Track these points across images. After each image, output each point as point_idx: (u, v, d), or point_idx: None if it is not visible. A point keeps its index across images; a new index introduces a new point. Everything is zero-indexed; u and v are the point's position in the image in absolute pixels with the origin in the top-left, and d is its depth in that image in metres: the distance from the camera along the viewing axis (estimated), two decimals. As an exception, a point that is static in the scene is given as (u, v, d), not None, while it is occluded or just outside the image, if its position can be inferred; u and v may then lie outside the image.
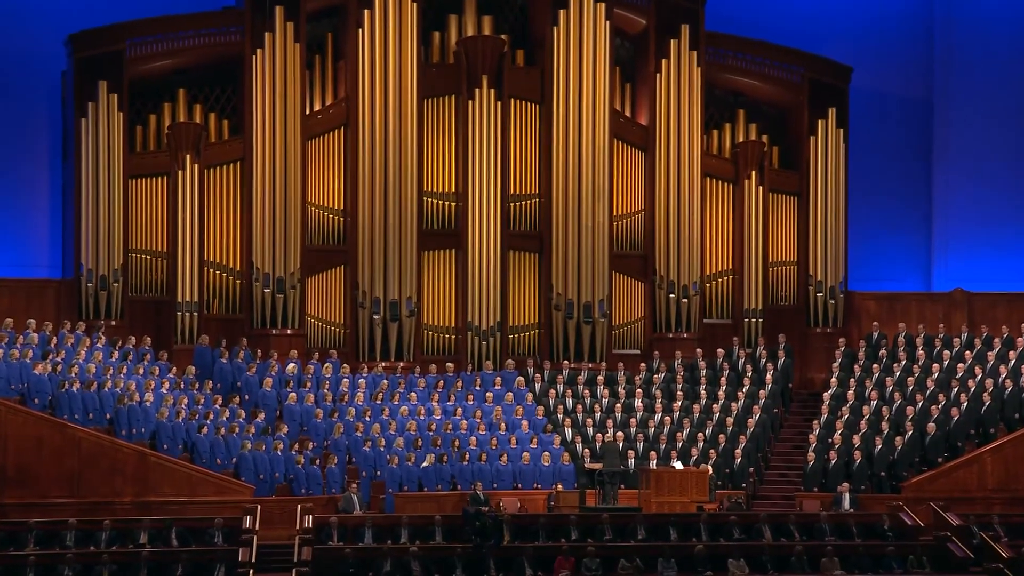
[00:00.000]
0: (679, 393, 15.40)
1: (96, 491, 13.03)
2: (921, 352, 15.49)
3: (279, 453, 13.78)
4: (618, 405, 15.22)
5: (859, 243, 17.20)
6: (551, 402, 15.28)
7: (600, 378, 15.66)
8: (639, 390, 15.44)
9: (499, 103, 16.23)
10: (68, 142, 15.88)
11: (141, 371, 14.38)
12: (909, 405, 14.65)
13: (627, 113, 16.92)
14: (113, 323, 15.31)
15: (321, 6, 16.37)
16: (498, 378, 15.44)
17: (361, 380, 15.04)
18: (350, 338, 15.98)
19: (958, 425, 14.40)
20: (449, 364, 15.64)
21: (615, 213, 16.60)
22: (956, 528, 13.05)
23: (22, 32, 16.11)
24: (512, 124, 16.36)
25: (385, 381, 15.08)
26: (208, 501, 13.09)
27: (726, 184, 16.99)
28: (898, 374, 15.28)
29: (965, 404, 14.47)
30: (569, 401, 15.32)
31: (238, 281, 15.96)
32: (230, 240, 15.95)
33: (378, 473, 13.98)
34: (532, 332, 16.43)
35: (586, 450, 14.53)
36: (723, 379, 15.59)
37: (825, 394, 15.47)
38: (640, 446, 14.67)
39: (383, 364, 15.61)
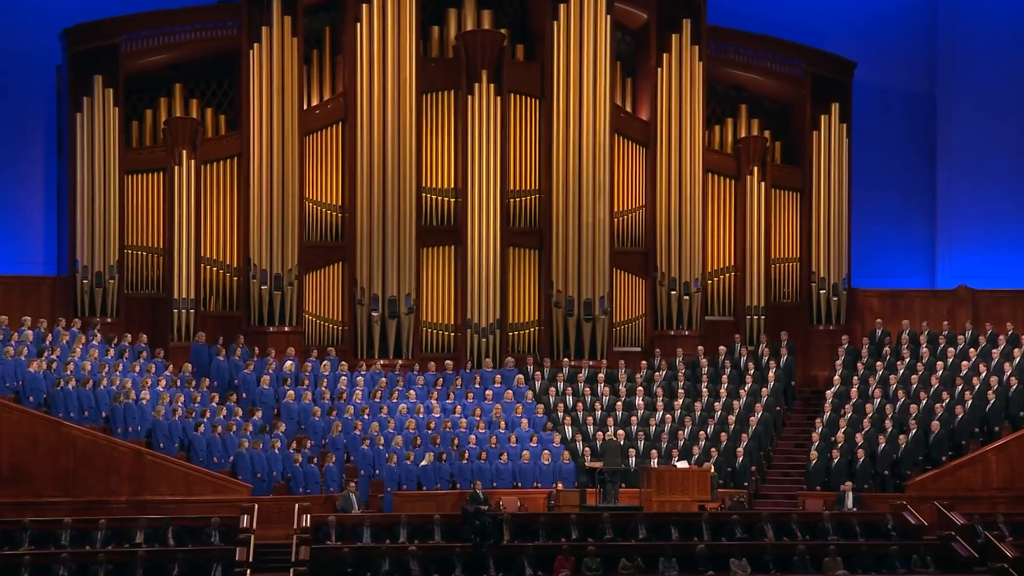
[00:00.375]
0: (680, 391, 15.30)
1: (92, 490, 12.95)
2: (925, 350, 15.39)
3: (276, 452, 13.69)
4: (619, 403, 15.13)
5: (862, 239, 17.10)
6: (551, 400, 15.19)
7: (601, 376, 15.57)
8: (640, 388, 15.35)
9: (499, 98, 16.11)
10: (63, 137, 15.76)
11: (137, 369, 14.28)
12: (913, 403, 14.55)
13: (628, 108, 16.80)
14: (109, 320, 15.20)
15: (319, 0, 16.22)
16: (498, 376, 15.35)
17: (359, 378, 14.94)
18: (348, 335, 15.88)
19: (962, 423, 14.30)
20: (448, 362, 15.55)
21: (616, 209, 16.49)
22: (960, 527, 12.97)
23: (17, 26, 15.99)
24: (512, 119, 16.25)
25: (384, 379, 14.98)
26: (205, 500, 13.00)
27: (728, 180, 16.87)
28: (902, 372, 15.18)
29: (969, 402, 14.37)
30: (569, 399, 15.23)
31: (235, 278, 15.85)
32: (227, 236, 15.84)
33: (376, 472, 13.89)
34: (532, 329, 16.33)
35: (587, 448, 14.45)
36: (725, 377, 15.49)
37: (828, 392, 15.37)
38: (641, 444, 14.59)
39: (382, 362, 15.51)
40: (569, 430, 14.77)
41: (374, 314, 15.78)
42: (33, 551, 12.07)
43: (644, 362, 15.86)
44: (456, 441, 14.20)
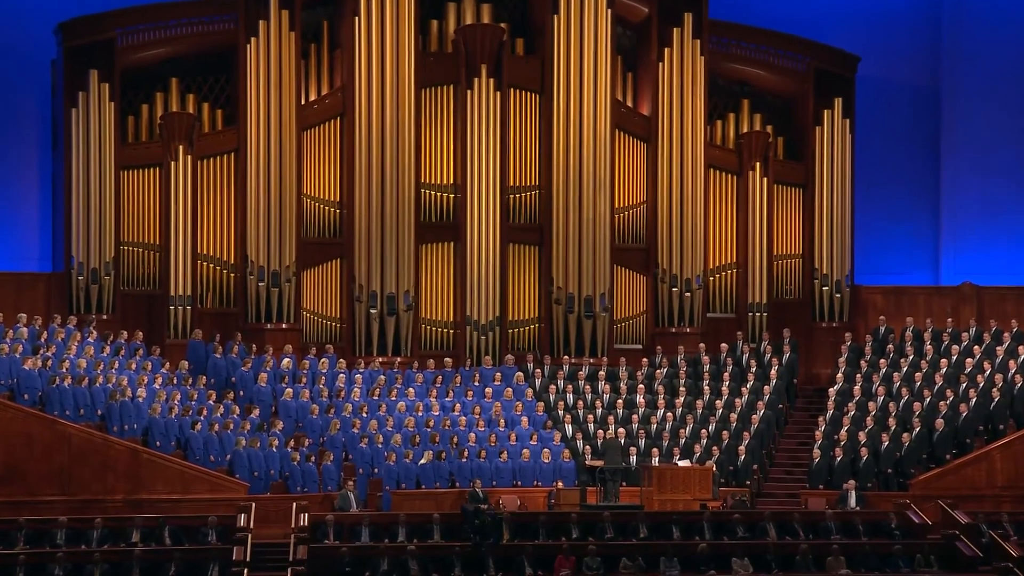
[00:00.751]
0: (682, 389, 15.21)
1: (87, 488, 12.85)
2: (929, 347, 15.29)
3: (274, 450, 13.59)
4: (620, 401, 15.04)
5: (865, 235, 16.98)
6: (551, 398, 15.10)
7: (601, 373, 15.46)
8: (641, 386, 15.25)
9: (498, 93, 15.99)
10: (58, 132, 15.64)
11: (133, 366, 14.19)
12: (916, 401, 14.47)
13: (629, 103, 16.68)
14: (104, 317, 15.08)
15: (317, -6, 16.17)
16: (497, 373, 15.25)
17: (358, 375, 14.85)
18: (346, 333, 15.77)
19: (967, 421, 14.21)
20: (447, 359, 15.44)
21: (616, 205, 16.37)
22: (964, 526, 12.91)
23: (11, 20, 15.86)
24: (512, 114, 16.12)
25: (382, 376, 14.89)
26: (202, 499, 12.92)
27: (730, 175, 16.74)
28: (905, 369, 15.09)
29: (974, 400, 14.29)
30: (570, 397, 15.12)
31: (232, 274, 15.73)
32: (224, 233, 15.72)
33: (375, 470, 13.81)
34: (532, 326, 16.22)
35: (587, 447, 14.37)
36: (726, 374, 15.39)
37: (831, 390, 15.28)
38: (642, 443, 14.50)
39: (380, 359, 15.39)
40: (569, 428, 14.69)
41: (372, 311, 15.68)
42: (28, 550, 12.00)
43: (645, 359, 15.76)
44: (455, 439, 14.11)
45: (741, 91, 17.06)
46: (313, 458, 13.71)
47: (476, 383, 15.05)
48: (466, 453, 13.96)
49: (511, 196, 16.20)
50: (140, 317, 15.25)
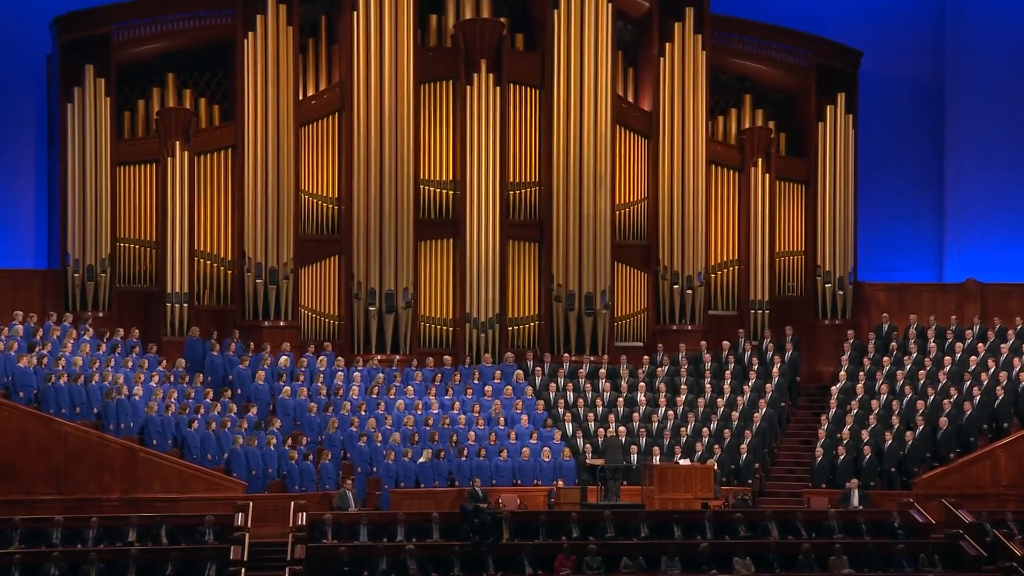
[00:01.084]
0: (683, 387, 15.11)
1: (83, 487, 12.78)
2: (932, 344, 15.19)
3: (272, 448, 13.51)
4: (620, 399, 14.94)
5: (868, 232, 16.87)
6: (551, 396, 15.00)
7: (602, 371, 15.37)
8: (642, 384, 15.17)
9: (498, 88, 15.88)
10: (53, 128, 15.52)
11: (129, 364, 14.10)
12: (920, 399, 14.37)
13: (630, 98, 16.56)
14: (100, 315, 14.98)
15: (314, -12, 16.04)
16: (497, 371, 15.16)
17: (356, 373, 14.77)
18: (345, 330, 15.67)
19: (970, 420, 14.11)
20: (447, 357, 15.34)
21: (617, 201, 16.26)
22: (968, 525, 12.81)
23: (6, 14, 15.75)
24: (511, 110, 16.02)
25: (381, 374, 14.81)
26: (199, 498, 12.83)
27: (731, 172, 16.64)
28: (909, 367, 15.00)
29: (978, 398, 14.19)
30: (570, 395, 15.03)
31: (229, 271, 15.63)
32: (221, 229, 15.61)
33: (374, 469, 13.72)
34: (532, 324, 16.12)
35: (587, 445, 14.29)
36: (728, 372, 15.30)
37: (833, 388, 15.18)
38: (643, 441, 14.41)
39: (379, 357, 15.29)
40: (570, 427, 14.60)
41: (371, 308, 15.58)
42: (23, 550, 11.90)
43: (646, 357, 15.66)
44: (455, 438, 14.03)
45: (743, 86, 16.94)
46: (311, 457, 13.63)
47: (475, 381, 14.96)
48: (465, 452, 13.88)
49: (511, 192, 16.10)
50: (136, 314, 15.16)
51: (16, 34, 15.70)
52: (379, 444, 13.80)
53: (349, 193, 15.73)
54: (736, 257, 16.58)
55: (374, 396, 14.47)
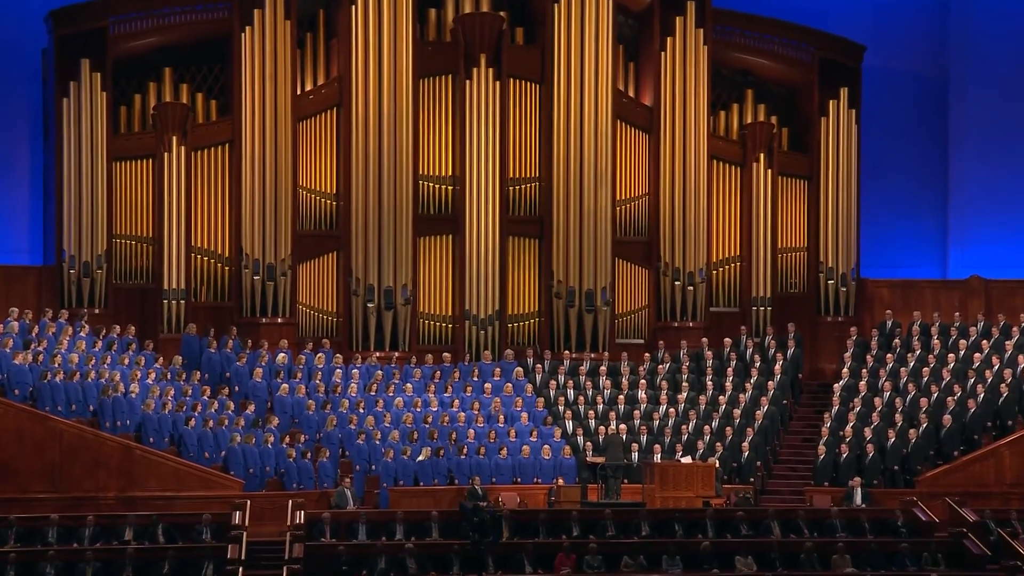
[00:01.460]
0: (684, 384, 15.03)
1: (79, 486, 12.71)
2: (936, 341, 15.10)
3: (269, 446, 13.44)
4: (621, 397, 14.86)
5: (872, 228, 16.79)
6: (552, 393, 14.92)
7: (602, 369, 15.29)
8: (643, 381, 15.09)
9: (498, 82, 15.77)
10: (49, 123, 15.43)
11: (126, 361, 14.02)
12: (923, 396, 14.27)
13: (631, 93, 16.46)
14: (97, 311, 14.90)
15: (313, -18, 15.92)
16: (497, 368, 15.07)
17: (355, 371, 14.70)
18: (343, 327, 15.57)
19: (974, 417, 14.02)
20: (446, 354, 15.26)
21: (618, 197, 16.18)
22: (972, 524, 12.71)
23: (1, 8, 15.67)
24: (511, 104, 15.92)
25: (380, 372, 14.74)
26: (196, 496, 12.77)
27: (733, 167, 16.54)
28: (912, 364, 14.91)
29: (982, 395, 14.10)
30: (570, 392, 14.94)
31: (227, 268, 15.54)
32: (218, 225, 15.52)
33: (372, 467, 13.66)
34: (532, 321, 16.03)
35: (588, 443, 14.22)
36: (730, 370, 15.21)
37: (836, 385, 15.09)
38: (644, 439, 14.34)
39: (377, 354, 15.21)
40: (570, 424, 14.52)
41: (370, 305, 15.48)
42: (19, 548, 11.81)
43: (647, 354, 15.59)
44: (454, 435, 13.95)
45: (745, 81, 16.85)
46: (309, 455, 13.56)
47: (475, 378, 14.88)
48: (465, 449, 13.81)
49: (511, 188, 16.01)
50: (133, 311, 15.07)
51: (11, 28, 15.61)
52: (378, 442, 13.72)
53: (347, 189, 15.63)
54: (738, 253, 16.50)
55: (373, 393, 14.39)
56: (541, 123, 16.01)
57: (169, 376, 14.06)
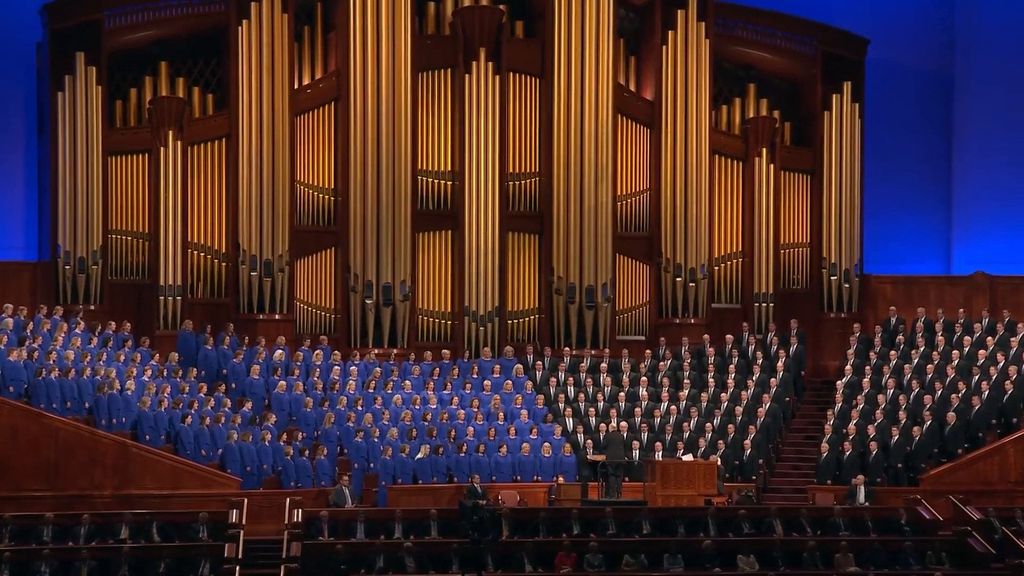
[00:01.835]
0: (686, 381, 14.94)
1: (74, 484, 12.64)
2: (940, 338, 15.02)
3: (267, 444, 13.35)
4: (622, 394, 14.77)
5: (875, 224, 16.69)
6: (552, 390, 14.83)
7: (603, 365, 15.20)
8: (644, 378, 15.00)
9: (497, 77, 15.65)
10: (44, 117, 15.32)
11: (122, 358, 13.92)
12: (927, 394, 14.19)
13: (632, 87, 16.34)
14: (92, 308, 14.78)
15: (310, -25, 15.78)
16: (496, 365, 14.98)
17: (353, 367, 14.59)
18: (341, 323, 15.47)
19: (979, 414, 13.93)
20: (445, 351, 15.19)
21: (619, 192, 16.07)
22: (976, 522, 12.66)
23: (-5, 2, 15.49)
24: (511, 99, 15.80)
25: (378, 368, 14.63)
26: (192, 494, 12.71)
27: (735, 162, 16.42)
28: (916, 361, 14.82)
29: (986, 392, 14.03)
30: (571, 389, 14.86)
31: (223, 264, 15.42)
32: (215, 221, 15.40)
33: (371, 465, 13.57)
34: (532, 317, 15.93)
35: (588, 441, 14.14)
36: (732, 366, 15.12)
37: (839, 382, 15.02)
38: (645, 437, 14.24)
39: (376, 351, 15.11)
40: (570, 422, 14.44)
41: (368, 301, 15.38)
42: (14, 547, 11.76)
43: (648, 351, 15.50)
44: (453, 433, 13.87)
45: (747, 75, 16.73)
46: (307, 452, 13.48)
47: (474, 375, 14.80)
48: (464, 447, 13.72)
49: (510, 183, 15.90)
50: (129, 307, 14.96)
51: (6, 21, 15.48)
52: (376, 439, 13.63)
53: (345, 184, 15.52)
54: (740, 249, 16.40)
55: (371, 391, 14.31)
56: (541, 118, 15.90)
57: (165, 373, 13.96)
